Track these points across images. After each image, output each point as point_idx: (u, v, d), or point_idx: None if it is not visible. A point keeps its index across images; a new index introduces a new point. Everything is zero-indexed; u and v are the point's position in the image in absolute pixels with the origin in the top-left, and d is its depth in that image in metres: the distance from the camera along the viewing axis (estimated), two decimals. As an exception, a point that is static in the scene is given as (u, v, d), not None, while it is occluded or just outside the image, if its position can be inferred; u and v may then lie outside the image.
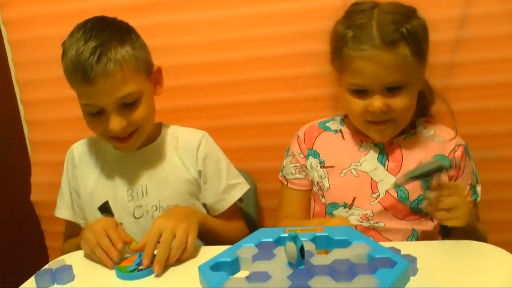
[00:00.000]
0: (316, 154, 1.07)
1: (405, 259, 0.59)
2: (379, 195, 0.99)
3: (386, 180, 1.00)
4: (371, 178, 1.00)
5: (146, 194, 1.07)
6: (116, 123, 0.96)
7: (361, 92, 0.95)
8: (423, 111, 1.08)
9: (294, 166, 1.10)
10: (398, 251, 0.73)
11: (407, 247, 0.79)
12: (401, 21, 0.91)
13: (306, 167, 1.09)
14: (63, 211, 1.14)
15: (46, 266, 0.87)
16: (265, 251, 0.66)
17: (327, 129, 1.09)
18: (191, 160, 1.10)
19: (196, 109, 1.32)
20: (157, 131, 1.12)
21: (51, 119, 1.42)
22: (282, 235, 0.70)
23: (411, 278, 0.70)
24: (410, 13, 0.94)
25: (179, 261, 0.86)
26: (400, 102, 0.93)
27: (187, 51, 1.29)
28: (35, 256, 1.59)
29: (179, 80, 1.30)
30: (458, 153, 1.00)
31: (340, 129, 1.08)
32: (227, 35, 1.27)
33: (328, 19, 1.01)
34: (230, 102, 1.30)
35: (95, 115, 0.99)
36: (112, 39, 0.96)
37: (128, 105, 0.98)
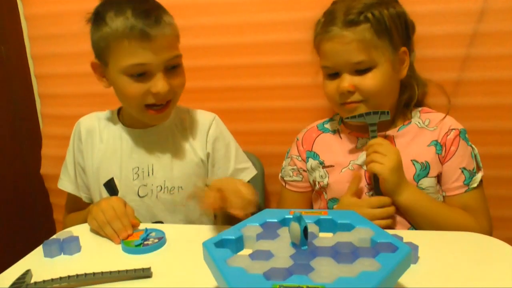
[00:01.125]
0: (315, 156, 1.09)
1: (407, 245, 0.59)
2: (372, 187, 1.00)
3: None
4: (365, 170, 1.02)
5: (152, 173, 1.07)
6: (163, 84, 0.97)
7: (333, 76, 1.01)
8: (418, 102, 1.08)
9: (292, 169, 1.13)
10: (400, 238, 0.74)
11: (410, 236, 0.80)
12: (369, 6, 0.96)
13: (304, 170, 1.12)
14: (65, 184, 1.14)
15: (54, 236, 0.89)
16: (269, 231, 0.67)
17: (325, 130, 1.12)
18: (200, 142, 1.10)
19: (208, 90, 1.33)
20: None
21: (63, 93, 1.43)
22: (287, 216, 0.70)
23: (412, 266, 0.71)
24: (385, 2, 0.98)
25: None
26: (367, 82, 0.97)
27: (202, 32, 1.29)
28: (43, 229, 1.62)
29: (193, 61, 1.29)
30: (450, 136, 1.00)
31: (338, 129, 1.10)
32: (244, 18, 1.26)
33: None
34: (242, 85, 1.30)
35: (137, 78, 0.97)
36: (158, 6, 1.00)
37: (172, 69, 1.00)
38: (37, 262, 0.82)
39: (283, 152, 1.20)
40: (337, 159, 1.06)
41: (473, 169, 1.00)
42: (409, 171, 0.98)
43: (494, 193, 1.13)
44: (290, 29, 1.23)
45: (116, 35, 0.95)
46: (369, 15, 0.95)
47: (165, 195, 1.07)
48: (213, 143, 1.10)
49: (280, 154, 1.21)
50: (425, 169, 0.99)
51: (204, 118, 1.13)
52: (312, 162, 1.09)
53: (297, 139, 1.14)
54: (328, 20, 0.99)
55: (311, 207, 1.16)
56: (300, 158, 1.12)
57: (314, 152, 1.10)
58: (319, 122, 1.15)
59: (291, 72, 1.27)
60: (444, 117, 1.03)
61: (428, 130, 1.03)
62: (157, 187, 1.07)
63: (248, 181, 1.13)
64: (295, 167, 1.13)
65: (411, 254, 0.59)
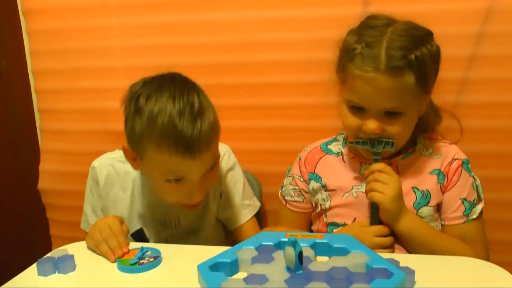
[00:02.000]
0: (318, 178, 1.07)
1: (402, 271, 0.59)
2: None
3: None
4: None
5: (179, 224, 1.08)
6: (200, 195, 0.94)
7: (358, 110, 0.93)
8: (427, 129, 1.05)
9: (293, 189, 1.11)
10: (397, 263, 0.74)
11: (407, 260, 0.79)
12: (412, 47, 0.88)
13: (305, 191, 1.09)
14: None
15: (48, 255, 0.88)
16: (264, 254, 0.67)
17: (328, 152, 1.09)
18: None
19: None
20: None
21: (63, 109, 1.44)
22: (282, 239, 0.70)
23: (409, 290, 0.71)
24: (423, 38, 0.91)
25: None
26: (396, 128, 0.92)
27: (203, 51, 1.30)
28: (40, 244, 1.61)
29: (193, 79, 1.30)
30: (453, 166, 0.99)
31: (341, 151, 1.07)
32: (245, 37, 1.27)
33: (346, 28, 0.99)
34: (242, 104, 1.31)
35: (175, 183, 0.92)
36: (203, 106, 0.91)
37: (208, 173, 0.94)
38: (30, 281, 0.81)
39: (282, 171, 1.20)
40: (340, 183, 1.04)
41: (474, 200, 0.99)
42: (410, 198, 0.97)
43: (493, 216, 1.13)
44: (291, 49, 1.24)
45: (154, 141, 0.88)
46: (413, 58, 0.87)
47: (191, 236, 1.09)
48: (224, 177, 1.10)
49: (279, 174, 1.21)
50: (425, 197, 0.98)
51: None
52: (314, 184, 1.07)
53: (300, 159, 1.12)
54: (366, 55, 0.89)
55: (310, 227, 1.15)
56: (302, 179, 1.10)
57: (317, 174, 1.07)
58: (322, 142, 1.12)
59: (291, 92, 1.27)
60: (450, 144, 1.02)
61: (432, 159, 1.01)
62: (185, 232, 1.09)
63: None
64: (296, 187, 1.11)
65: (406, 280, 0.59)
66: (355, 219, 1.00)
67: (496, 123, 1.19)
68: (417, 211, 0.97)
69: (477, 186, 1.01)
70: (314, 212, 1.10)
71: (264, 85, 1.28)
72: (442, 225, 1.00)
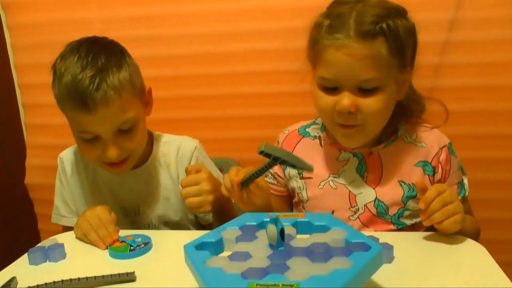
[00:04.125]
0: None
1: (379, 245, 0.62)
2: (358, 209, 0.96)
3: (365, 193, 0.96)
4: (349, 191, 0.97)
5: (139, 214, 1.09)
6: (113, 151, 0.95)
7: (331, 90, 0.88)
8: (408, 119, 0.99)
9: (269, 171, 1.07)
10: (376, 239, 0.77)
11: (386, 237, 0.83)
12: (384, 16, 0.83)
13: (279, 175, 1.06)
14: (72, 220, 1.11)
15: (39, 244, 0.90)
16: (247, 234, 0.69)
17: (306, 135, 1.04)
18: (182, 175, 1.07)
19: (187, 98, 1.35)
20: (148, 148, 1.09)
21: (48, 103, 1.42)
22: (265, 220, 0.73)
23: (387, 265, 0.75)
24: (397, 11, 0.86)
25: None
26: (371, 104, 0.85)
27: (180, 41, 1.32)
28: (28, 239, 1.62)
29: (171, 70, 1.32)
30: (443, 156, 0.95)
31: (319, 136, 1.03)
32: (223, 28, 1.30)
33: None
34: (222, 94, 1.34)
35: (89, 141, 0.96)
36: (109, 65, 0.93)
37: (124, 132, 0.96)
38: (22, 270, 0.83)
39: (261, 157, 1.21)
40: (317, 171, 0.99)
41: (462, 179, 0.99)
42: (398, 193, 0.95)
43: (476, 196, 1.16)
44: (269, 38, 1.27)
45: (61, 100, 0.95)
46: (385, 26, 0.82)
47: (153, 231, 1.06)
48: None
49: (259, 159, 1.23)
50: (412, 191, 0.95)
51: (186, 149, 1.10)
52: (290, 170, 1.03)
53: (278, 142, 1.08)
54: (336, 25, 0.85)
55: (291, 211, 1.12)
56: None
57: None
58: (301, 125, 1.07)
59: (269, 80, 1.30)
60: (432, 128, 0.98)
61: (416, 146, 0.96)
62: (144, 225, 1.09)
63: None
64: (271, 170, 1.05)
65: (382, 252, 0.62)
66: (333, 211, 0.98)
67: (470, 106, 1.23)
68: (405, 204, 0.95)
69: (459, 163, 1.00)
70: (294, 200, 1.08)
71: (244, 74, 1.31)
72: None
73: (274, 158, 0.78)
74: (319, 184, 0.99)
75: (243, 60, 1.30)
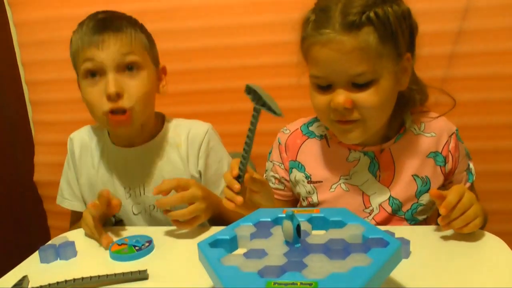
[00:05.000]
0: (301, 167, 0.98)
1: (397, 240, 0.60)
2: (372, 210, 0.94)
3: (379, 193, 0.93)
4: (363, 192, 0.94)
5: (144, 193, 1.06)
6: (112, 83, 0.94)
7: (325, 88, 0.84)
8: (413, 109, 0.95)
9: (273, 176, 1.03)
10: (392, 234, 0.75)
11: (402, 231, 0.81)
12: (371, 4, 0.78)
13: (285, 179, 1.02)
14: (73, 203, 1.12)
15: (49, 242, 0.90)
16: (262, 230, 0.68)
17: (311, 135, 0.99)
18: (193, 158, 1.07)
19: (196, 92, 1.34)
20: (159, 126, 1.09)
21: (55, 99, 1.44)
22: (280, 215, 0.71)
23: (404, 260, 0.73)
24: None
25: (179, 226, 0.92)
26: (367, 98, 0.81)
27: (190, 35, 1.31)
28: (38, 236, 1.62)
29: (181, 64, 1.31)
30: (452, 144, 0.93)
31: (325, 134, 0.97)
32: (232, 21, 1.28)
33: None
34: (233, 87, 1.31)
35: (92, 79, 0.97)
36: (125, 24, 0.99)
37: (128, 70, 0.97)
38: (33, 268, 0.82)
39: (263, 152, 1.19)
40: (326, 173, 0.95)
41: (469, 165, 0.98)
42: (411, 188, 0.92)
43: (485, 187, 1.15)
44: (279, 31, 1.24)
45: (76, 46, 0.98)
46: (372, 15, 0.78)
47: (158, 214, 1.06)
48: (205, 159, 1.07)
49: (260, 155, 1.21)
50: (425, 184, 0.92)
51: (197, 132, 1.08)
52: (296, 174, 0.98)
53: (279, 143, 1.01)
54: (321, 20, 0.81)
55: None
56: (282, 166, 1.01)
57: (299, 162, 0.98)
58: (303, 123, 1.02)
59: (278, 72, 1.28)
60: (438, 117, 0.95)
61: (425, 137, 0.93)
62: (149, 206, 1.06)
63: None
64: (277, 175, 1.02)
65: (401, 248, 0.60)
66: None
67: (483, 95, 1.21)
68: (418, 199, 0.93)
69: (465, 149, 0.98)
70: (300, 205, 1.03)
71: (252, 67, 1.29)
72: None
73: (257, 98, 0.77)
74: (330, 188, 0.95)
75: (252, 53, 1.28)
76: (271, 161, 1.04)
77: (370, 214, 0.94)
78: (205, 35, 1.30)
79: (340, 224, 0.67)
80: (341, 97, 0.81)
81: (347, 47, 0.79)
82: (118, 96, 0.95)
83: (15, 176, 1.57)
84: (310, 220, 0.70)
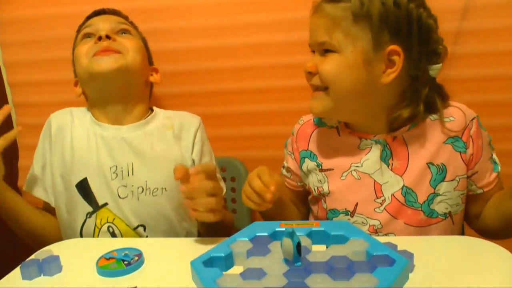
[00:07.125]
0: (313, 156, 0.97)
1: (403, 257, 0.57)
2: (384, 200, 0.90)
3: (391, 182, 0.90)
4: (374, 180, 0.91)
5: (132, 173, 1.00)
6: (103, 27, 1.06)
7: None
8: (431, 110, 0.90)
9: (284, 163, 1.06)
10: (394, 246, 0.72)
11: (404, 242, 0.77)
12: None
13: (292, 170, 1.02)
14: (35, 189, 1.08)
15: (32, 256, 0.85)
16: (259, 246, 0.64)
17: (322, 125, 0.99)
18: (186, 142, 1.05)
19: (190, 95, 1.30)
20: (149, 111, 1.10)
21: (39, 102, 1.39)
22: (277, 229, 0.67)
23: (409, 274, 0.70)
24: None
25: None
26: (323, 63, 0.85)
27: (183, 35, 1.27)
28: (22, 244, 1.56)
29: (174, 65, 1.27)
30: (473, 129, 0.89)
31: (337, 126, 0.97)
32: (225, 21, 1.24)
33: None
34: (225, 89, 1.28)
35: (88, 37, 1.07)
36: (126, 17, 1.15)
37: (122, 34, 1.08)
38: (14, 286, 0.77)
39: (267, 156, 1.17)
40: (337, 161, 0.94)
41: (492, 154, 0.93)
42: (425, 177, 0.88)
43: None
44: (273, 31, 1.21)
45: (80, 25, 1.12)
46: None
47: (147, 197, 1.00)
48: (201, 147, 1.07)
49: (265, 158, 1.19)
50: (441, 172, 0.88)
51: (191, 120, 1.10)
52: (309, 163, 0.97)
53: (293, 133, 1.03)
54: None
55: (306, 207, 1.07)
56: (293, 156, 1.02)
57: (311, 152, 0.98)
58: None
59: (275, 74, 1.24)
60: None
61: (443, 122, 0.89)
62: (138, 188, 1.00)
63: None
64: (285, 163, 1.04)
65: (408, 266, 0.57)
66: (357, 204, 0.91)
67: (483, 96, 1.18)
68: (434, 189, 0.88)
69: (489, 136, 0.94)
70: (311, 196, 1.02)
71: (246, 69, 1.25)
72: (479, 193, 0.92)
73: None
74: (341, 175, 0.93)
75: (245, 54, 1.24)
76: (286, 149, 1.06)
77: (381, 205, 0.91)
78: (198, 36, 1.25)
79: (341, 239, 0.64)
80: (309, 62, 0.88)
81: (322, 14, 0.85)
82: (108, 38, 1.03)
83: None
84: (310, 234, 0.66)
